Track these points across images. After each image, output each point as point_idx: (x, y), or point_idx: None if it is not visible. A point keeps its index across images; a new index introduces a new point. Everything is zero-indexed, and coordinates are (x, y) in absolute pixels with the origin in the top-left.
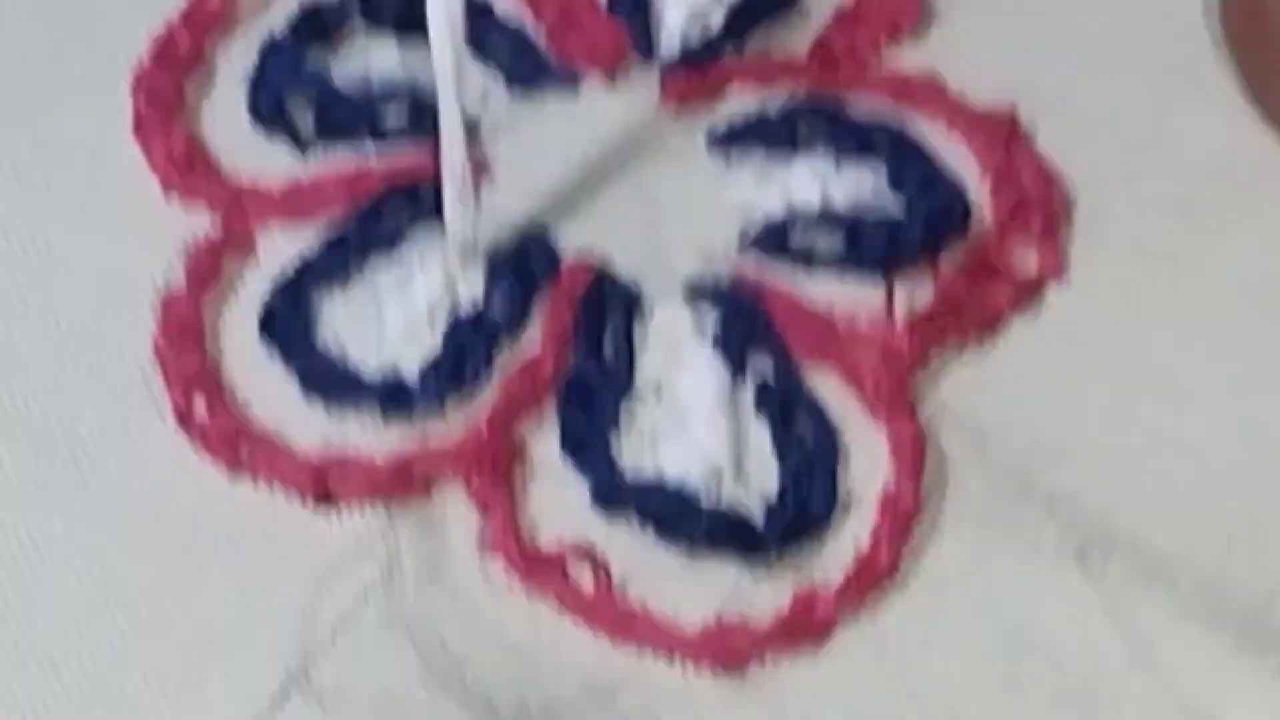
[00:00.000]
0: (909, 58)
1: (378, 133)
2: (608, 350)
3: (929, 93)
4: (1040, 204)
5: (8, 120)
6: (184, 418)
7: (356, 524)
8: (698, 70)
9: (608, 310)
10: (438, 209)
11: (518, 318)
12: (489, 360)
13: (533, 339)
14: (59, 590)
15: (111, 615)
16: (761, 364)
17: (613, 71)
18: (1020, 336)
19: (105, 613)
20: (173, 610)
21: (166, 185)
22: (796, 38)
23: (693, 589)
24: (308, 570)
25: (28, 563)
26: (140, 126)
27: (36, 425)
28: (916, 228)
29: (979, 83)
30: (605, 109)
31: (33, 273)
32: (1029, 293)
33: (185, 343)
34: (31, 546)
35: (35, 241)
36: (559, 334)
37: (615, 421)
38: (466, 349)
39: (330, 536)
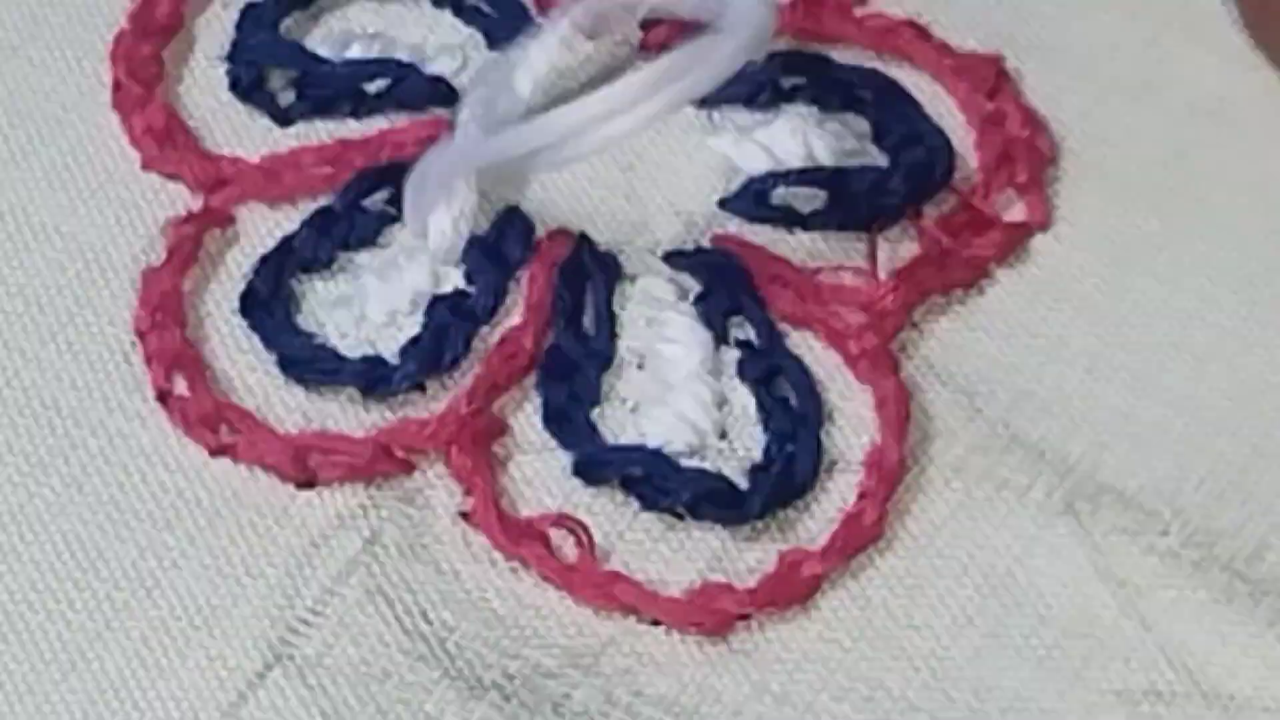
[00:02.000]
0: (894, 2)
1: (362, 104)
2: (588, 322)
3: (913, 39)
4: (1027, 152)
5: None
6: (164, 397)
7: (338, 499)
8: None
9: (587, 281)
10: None
11: (497, 293)
12: (469, 339)
13: (512, 312)
14: (40, 566)
15: (92, 591)
16: (744, 329)
17: (592, 23)
18: (1006, 287)
19: (86, 588)
20: (154, 587)
21: (146, 160)
22: None
23: (677, 554)
24: (289, 546)
25: (7, 539)
26: (119, 97)
27: (17, 401)
28: (900, 182)
29: (965, 28)
30: (584, 64)
31: (10, 246)
32: (1015, 243)
33: (166, 320)
34: (12, 523)
35: (14, 214)
36: (538, 307)
37: (597, 394)
38: (446, 328)
39: (311, 512)
